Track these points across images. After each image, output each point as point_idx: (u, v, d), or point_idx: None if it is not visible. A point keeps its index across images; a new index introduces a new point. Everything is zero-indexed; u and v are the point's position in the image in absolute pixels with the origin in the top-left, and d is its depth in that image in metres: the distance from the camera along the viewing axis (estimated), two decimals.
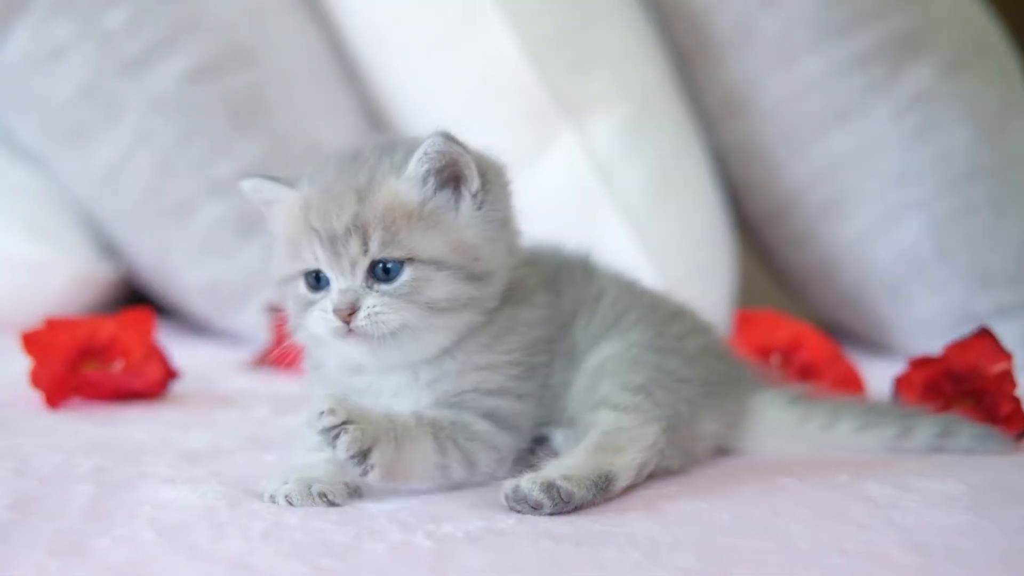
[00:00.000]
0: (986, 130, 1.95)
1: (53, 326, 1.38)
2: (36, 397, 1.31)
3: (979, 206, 1.91)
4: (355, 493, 0.99)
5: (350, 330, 1.00)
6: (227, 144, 1.89)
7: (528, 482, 0.95)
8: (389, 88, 2.02)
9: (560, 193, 1.90)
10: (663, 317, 1.16)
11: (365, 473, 0.95)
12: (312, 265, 1.02)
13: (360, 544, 0.87)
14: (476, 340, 1.05)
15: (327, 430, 0.94)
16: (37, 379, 1.31)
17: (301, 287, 1.04)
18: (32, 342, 1.34)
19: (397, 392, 1.06)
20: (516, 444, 1.06)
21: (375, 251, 1.00)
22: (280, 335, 1.57)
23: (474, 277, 1.03)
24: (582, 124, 1.90)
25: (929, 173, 1.93)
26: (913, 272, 1.94)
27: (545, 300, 1.10)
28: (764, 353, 1.47)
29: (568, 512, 0.95)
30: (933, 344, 1.41)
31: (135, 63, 1.87)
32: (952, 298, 1.91)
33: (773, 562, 0.85)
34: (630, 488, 1.02)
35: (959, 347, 1.27)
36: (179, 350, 1.51)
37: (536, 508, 0.94)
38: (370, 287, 1.00)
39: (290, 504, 0.96)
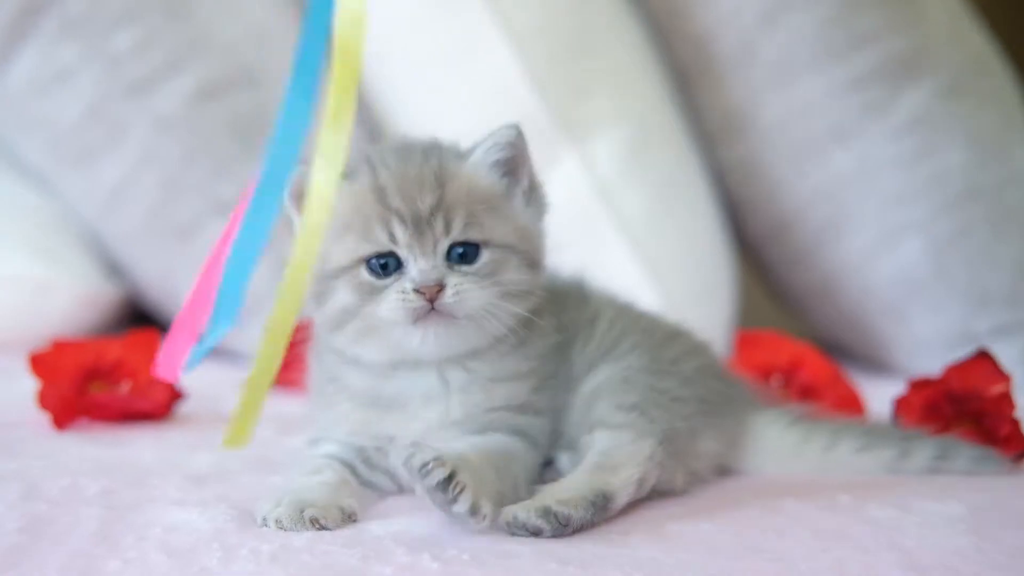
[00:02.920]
0: (984, 152, 1.97)
1: (60, 348, 1.39)
2: (43, 419, 1.32)
3: (977, 227, 1.93)
4: (349, 518, 0.99)
5: (432, 309, 1.00)
6: (231, 164, 1.90)
7: (524, 510, 0.96)
8: (391, 109, 2.04)
9: (561, 214, 1.89)
10: (659, 340, 1.17)
11: (479, 524, 0.93)
12: (386, 247, 1.02)
13: (367, 566, 0.87)
14: (500, 346, 1.06)
15: (441, 484, 0.91)
16: (44, 401, 1.32)
17: (363, 274, 1.03)
18: (39, 364, 1.35)
19: (427, 400, 1.06)
20: (540, 460, 1.07)
21: (457, 233, 1.02)
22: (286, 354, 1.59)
23: (534, 264, 1.06)
24: (583, 145, 1.92)
25: (927, 194, 1.94)
26: (912, 292, 1.95)
27: (552, 312, 1.12)
28: (765, 373, 1.48)
29: (570, 534, 0.96)
30: (932, 363, 1.42)
31: (141, 85, 1.89)
32: (950, 318, 1.93)
33: None
34: (633, 504, 1.03)
35: (958, 369, 1.28)
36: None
37: (536, 534, 0.95)
38: (451, 269, 1.02)
39: (281, 528, 0.96)
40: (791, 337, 1.55)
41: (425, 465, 0.92)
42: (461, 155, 1.07)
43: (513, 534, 0.95)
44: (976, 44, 2.06)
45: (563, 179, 1.91)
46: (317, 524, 0.96)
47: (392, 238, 1.02)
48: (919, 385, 1.29)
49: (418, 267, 1.01)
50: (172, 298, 1.96)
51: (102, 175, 1.91)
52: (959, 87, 1.99)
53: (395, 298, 1.01)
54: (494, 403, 1.05)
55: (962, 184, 1.94)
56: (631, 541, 0.95)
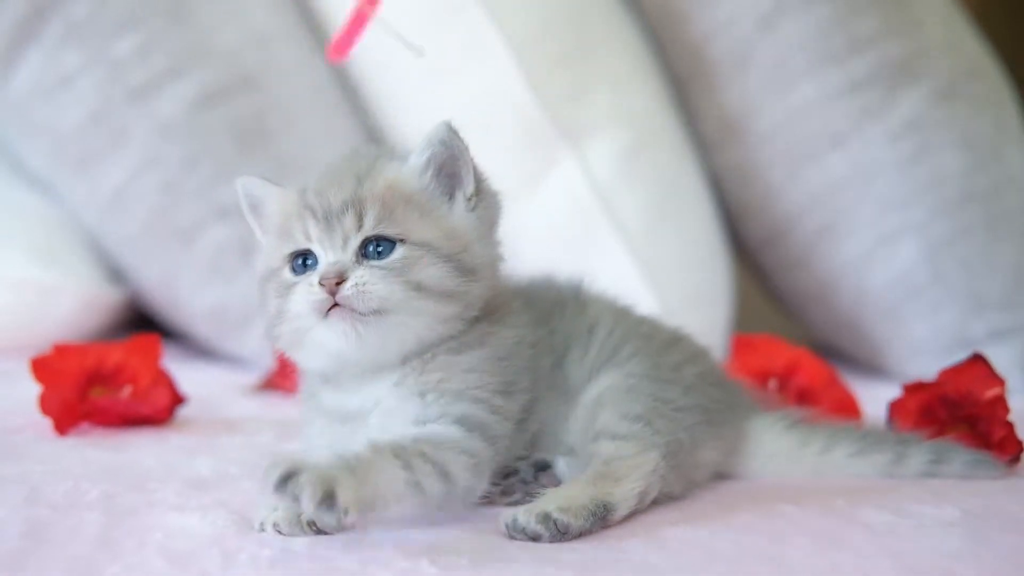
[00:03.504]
0: (979, 155, 1.97)
1: (62, 352, 1.39)
2: (45, 423, 1.33)
3: (973, 230, 1.94)
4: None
5: (335, 303, 0.99)
6: (232, 169, 1.90)
7: (524, 514, 0.96)
8: (390, 113, 2.04)
9: (559, 217, 1.92)
10: (660, 346, 1.17)
11: (341, 519, 0.89)
12: (302, 244, 1.03)
13: (366, 571, 0.88)
14: (447, 345, 1.04)
15: (282, 482, 0.87)
16: (46, 405, 1.32)
17: (286, 273, 1.03)
18: (41, 368, 1.36)
19: (388, 412, 1.03)
20: (492, 455, 1.02)
21: (369, 227, 1.01)
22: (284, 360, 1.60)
23: (462, 269, 1.03)
24: (581, 149, 1.93)
25: (923, 197, 1.95)
26: (908, 295, 1.96)
27: (524, 323, 1.10)
28: (762, 378, 1.48)
29: (568, 541, 0.96)
30: (928, 367, 1.43)
31: (143, 90, 1.89)
32: (947, 321, 1.93)
33: None
34: (631, 515, 1.03)
35: (953, 372, 1.29)
36: (184, 374, 1.52)
37: (535, 539, 0.96)
38: (360, 263, 1.01)
39: (279, 532, 0.96)
40: (787, 341, 1.56)
41: (267, 469, 0.89)
42: (396, 156, 1.07)
43: (512, 538, 0.96)
44: (971, 48, 2.07)
45: (561, 182, 1.92)
46: (313, 527, 0.97)
47: (307, 235, 1.02)
48: (913, 389, 1.30)
49: (325, 260, 1.01)
50: (174, 302, 1.97)
51: (104, 179, 1.92)
52: (954, 91, 1.99)
53: (302, 290, 1.01)
54: (450, 410, 1.02)
55: (958, 187, 1.95)
56: (629, 546, 0.95)
